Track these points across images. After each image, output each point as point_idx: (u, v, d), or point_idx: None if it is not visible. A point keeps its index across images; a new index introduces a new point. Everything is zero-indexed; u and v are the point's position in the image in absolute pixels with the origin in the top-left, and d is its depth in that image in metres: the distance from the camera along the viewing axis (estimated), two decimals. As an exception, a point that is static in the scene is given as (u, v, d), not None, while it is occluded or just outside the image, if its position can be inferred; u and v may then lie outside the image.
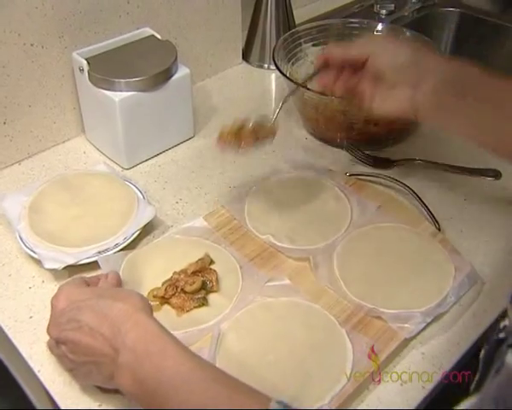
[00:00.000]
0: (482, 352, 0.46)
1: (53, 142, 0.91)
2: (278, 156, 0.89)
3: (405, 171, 0.85)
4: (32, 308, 0.67)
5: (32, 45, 0.82)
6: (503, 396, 0.38)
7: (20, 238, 0.71)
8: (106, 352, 0.52)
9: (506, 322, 0.45)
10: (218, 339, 0.61)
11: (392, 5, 1.28)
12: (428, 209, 0.78)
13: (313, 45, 0.99)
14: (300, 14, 1.20)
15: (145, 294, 0.66)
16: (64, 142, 0.93)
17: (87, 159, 0.90)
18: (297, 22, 1.14)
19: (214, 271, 0.68)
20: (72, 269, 0.69)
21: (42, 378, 0.60)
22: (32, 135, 0.88)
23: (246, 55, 1.14)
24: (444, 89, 0.65)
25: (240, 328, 0.63)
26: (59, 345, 0.56)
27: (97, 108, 0.86)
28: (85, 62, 0.82)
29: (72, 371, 0.57)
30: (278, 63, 0.90)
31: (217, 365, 0.59)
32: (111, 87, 0.81)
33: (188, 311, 0.64)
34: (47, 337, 0.58)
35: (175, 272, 0.67)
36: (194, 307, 0.65)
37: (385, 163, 0.87)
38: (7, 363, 0.63)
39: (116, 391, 0.56)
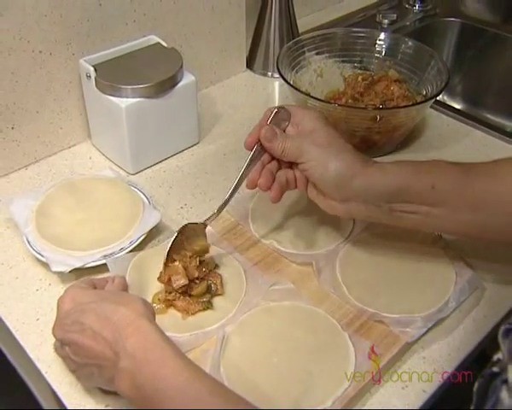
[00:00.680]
0: (476, 385, 0.45)
1: (60, 147, 0.92)
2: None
3: (407, 178, 0.86)
4: (38, 310, 0.68)
5: (40, 52, 0.83)
6: None
7: (28, 241, 0.72)
8: (107, 355, 0.52)
9: (499, 355, 0.45)
10: (222, 342, 0.62)
11: (395, 15, 1.30)
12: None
13: (317, 54, 1.00)
14: (304, 23, 1.22)
15: (151, 297, 0.67)
16: (70, 147, 0.94)
17: (93, 164, 0.91)
18: (301, 31, 1.15)
19: (219, 274, 0.69)
20: (79, 272, 0.69)
21: (49, 379, 0.60)
22: (39, 140, 0.89)
23: (250, 64, 1.15)
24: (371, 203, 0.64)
25: (244, 331, 0.64)
26: (63, 346, 0.57)
27: (104, 114, 0.87)
28: (92, 69, 0.83)
29: (75, 372, 0.58)
30: (282, 71, 0.91)
31: (221, 367, 0.59)
32: (117, 93, 0.82)
33: (193, 314, 0.65)
34: (53, 339, 0.59)
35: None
36: (199, 311, 0.65)
37: (387, 170, 0.88)
38: (15, 364, 0.64)
39: (121, 393, 0.57)
